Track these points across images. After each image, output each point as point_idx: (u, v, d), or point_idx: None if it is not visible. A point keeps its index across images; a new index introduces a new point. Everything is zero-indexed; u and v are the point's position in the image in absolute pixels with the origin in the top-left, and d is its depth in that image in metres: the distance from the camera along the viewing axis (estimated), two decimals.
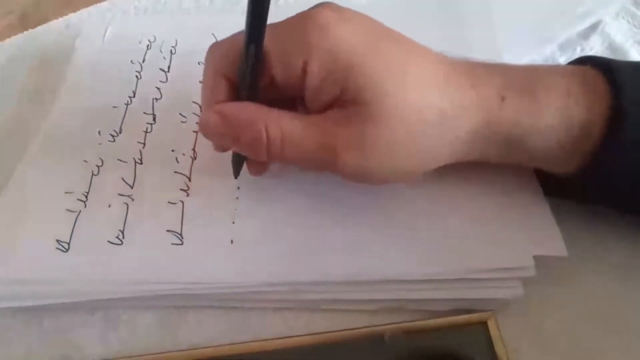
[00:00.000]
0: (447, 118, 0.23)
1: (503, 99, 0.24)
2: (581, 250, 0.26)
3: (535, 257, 0.25)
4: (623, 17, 0.38)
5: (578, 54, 0.36)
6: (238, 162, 0.28)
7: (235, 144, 0.25)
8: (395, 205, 0.28)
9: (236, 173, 0.28)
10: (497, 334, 0.24)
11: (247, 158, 0.27)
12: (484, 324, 0.25)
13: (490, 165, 0.27)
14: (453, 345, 0.24)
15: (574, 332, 0.25)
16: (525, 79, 0.24)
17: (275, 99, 0.25)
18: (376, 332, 0.25)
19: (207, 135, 0.25)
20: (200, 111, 0.25)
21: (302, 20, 0.23)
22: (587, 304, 0.26)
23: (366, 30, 0.24)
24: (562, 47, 0.36)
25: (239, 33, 0.24)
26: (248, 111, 0.24)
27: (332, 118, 0.23)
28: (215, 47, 0.26)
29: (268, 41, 0.23)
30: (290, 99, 0.26)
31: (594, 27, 0.37)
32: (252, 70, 0.23)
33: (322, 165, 0.24)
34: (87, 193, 0.29)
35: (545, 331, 0.25)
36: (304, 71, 0.23)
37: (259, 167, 0.28)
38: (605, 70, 0.24)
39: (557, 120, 0.24)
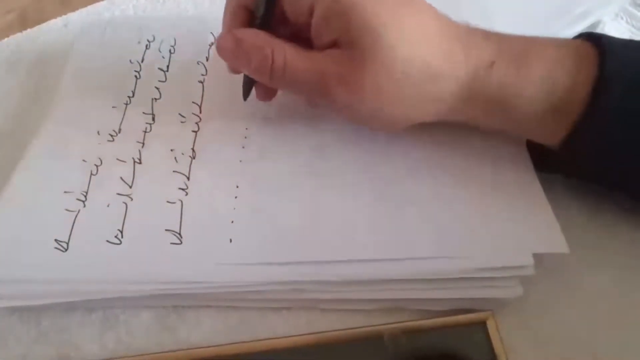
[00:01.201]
0: (433, 74, 0.25)
1: (492, 64, 0.25)
2: (580, 250, 0.26)
3: (535, 256, 0.25)
4: (622, 18, 0.38)
5: None
6: (248, 85, 0.30)
7: (245, 65, 0.28)
8: (394, 205, 0.28)
9: (245, 95, 0.31)
10: (496, 334, 0.24)
11: (256, 82, 0.30)
12: (482, 324, 0.25)
13: (490, 163, 0.27)
14: (452, 345, 0.24)
15: (572, 332, 0.25)
16: (519, 48, 0.26)
17: (285, 36, 0.27)
18: (375, 331, 0.25)
19: (222, 56, 0.28)
20: (220, 34, 0.28)
21: None
22: (586, 303, 0.26)
23: None
24: None
25: None
26: (259, 37, 0.27)
27: (331, 55, 0.26)
28: None
29: None
30: (298, 38, 0.27)
31: (592, 28, 0.37)
32: (267, 2, 0.27)
33: (317, 94, 0.27)
34: (86, 193, 0.29)
35: (544, 331, 0.25)
36: (310, 11, 0.26)
37: (267, 93, 0.31)
38: (597, 42, 0.25)
39: (542, 87, 0.25)
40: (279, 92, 0.32)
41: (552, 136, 0.26)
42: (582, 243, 0.26)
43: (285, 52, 0.26)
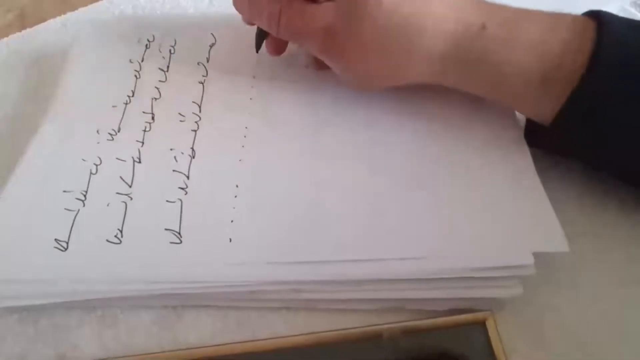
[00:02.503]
0: (420, 28, 0.26)
1: (483, 26, 0.25)
2: (580, 250, 0.26)
3: (535, 256, 0.25)
4: None
5: None
6: (260, 38, 0.33)
7: (256, 18, 0.30)
8: (393, 204, 0.28)
9: (258, 47, 0.34)
10: (496, 334, 0.24)
11: (267, 37, 0.33)
12: (482, 324, 0.25)
13: (491, 163, 0.27)
14: (451, 345, 0.24)
15: (572, 332, 0.25)
16: (514, 14, 0.26)
17: None
18: (374, 331, 0.25)
19: (237, 8, 0.31)
20: None
21: None
22: (586, 304, 0.26)
23: None
24: None
25: None
26: None
27: (328, 7, 0.27)
28: None
29: None
30: None
31: None
32: None
33: (313, 48, 0.29)
34: (86, 192, 0.29)
35: (544, 331, 0.25)
36: None
37: (276, 47, 0.33)
38: (596, 16, 0.25)
39: (532, 51, 0.25)
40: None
41: (541, 110, 0.26)
42: (582, 243, 0.26)
43: (292, 6, 0.28)
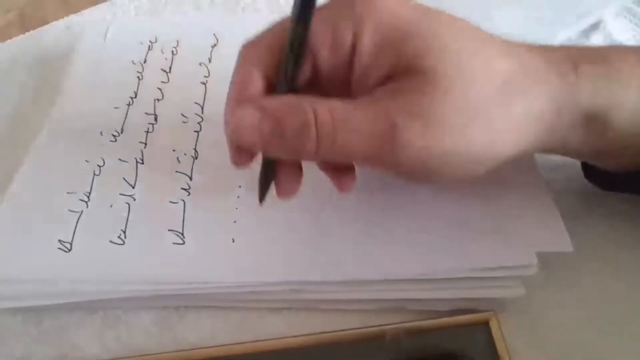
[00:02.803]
0: (516, 84, 0.21)
1: (576, 65, 0.21)
2: (584, 250, 0.25)
3: (538, 256, 0.24)
4: (625, 16, 0.38)
5: None
6: (266, 181, 0.24)
7: (277, 140, 0.21)
8: (394, 204, 0.28)
9: (262, 195, 0.24)
10: (499, 334, 0.24)
11: (275, 176, 0.24)
12: (485, 324, 0.24)
13: None
14: (454, 345, 0.24)
15: (575, 333, 0.25)
16: (594, 50, 0.22)
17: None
18: (377, 332, 0.25)
19: (239, 134, 0.21)
20: (225, 111, 0.23)
21: None
22: (589, 304, 0.26)
23: (414, 4, 0.22)
24: None
25: (273, 27, 0.23)
26: (291, 99, 0.21)
27: (387, 92, 0.21)
28: (250, 43, 0.23)
29: (313, 22, 0.21)
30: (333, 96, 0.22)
31: (594, 26, 0.37)
32: (297, 56, 0.21)
33: (380, 150, 0.21)
34: (89, 193, 0.29)
35: (547, 331, 0.25)
36: (354, 47, 0.21)
37: (291, 184, 0.24)
38: None
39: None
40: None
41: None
42: (585, 243, 0.26)
43: (330, 106, 0.20)
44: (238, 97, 0.23)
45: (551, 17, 0.37)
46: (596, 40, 0.36)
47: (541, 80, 0.21)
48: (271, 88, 0.23)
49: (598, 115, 0.21)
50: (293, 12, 0.21)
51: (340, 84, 0.23)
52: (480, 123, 0.21)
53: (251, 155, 0.24)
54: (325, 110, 0.20)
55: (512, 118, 0.21)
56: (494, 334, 0.24)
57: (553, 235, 0.25)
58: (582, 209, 0.28)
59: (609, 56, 0.22)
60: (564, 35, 0.36)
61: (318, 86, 0.23)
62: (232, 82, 0.23)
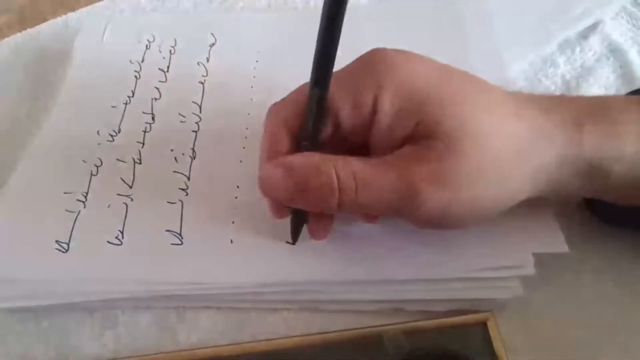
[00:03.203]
0: (528, 144, 0.22)
1: (580, 124, 0.23)
2: (581, 250, 0.26)
3: (535, 256, 0.25)
4: (622, 17, 0.38)
5: (577, 54, 0.36)
6: (297, 224, 0.26)
7: (302, 196, 0.23)
8: None
9: (294, 238, 0.26)
10: (497, 334, 0.24)
11: (308, 219, 0.25)
12: (483, 324, 0.25)
13: None
14: (452, 345, 0.24)
15: (573, 333, 0.25)
16: (598, 107, 0.23)
17: (338, 153, 0.23)
18: (375, 332, 0.25)
19: (268, 190, 0.23)
20: (260, 167, 0.25)
21: (366, 60, 0.23)
22: (587, 305, 0.26)
23: (433, 66, 0.23)
24: (561, 47, 0.36)
25: (301, 87, 0.24)
26: (314, 159, 0.23)
27: (407, 155, 0.22)
28: (276, 106, 0.25)
29: (333, 86, 0.22)
30: (353, 151, 0.24)
31: (593, 27, 0.37)
32: (317, 116, 0.23)
33: (400, 207, 0.22)
34: (87, 193, 0.29)
35: (545, 331, 0.25)
36: (374, 110, 0.23)
37: (324, 228, 0.26)
38: None
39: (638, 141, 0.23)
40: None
41: None
42: (582, 243, 0.26)
43: (352, 166, 0.22)
44: (268, 154, 0.24)
45: (550, 18, 0.37)
46: (594, 41, 0.36)
47: (549, 142, 0.23)
48: (296, 144, 0.24)
49: (599, 167, 0.23)
50: (311, 78, 0.22)
51: (360, 139, 0.24)
52: (496, 185, 0.22)
53: (287, 210, 0.25)
54: (348, 172, 0.22)
55: (523, 178, 0.23)
56: (491, 334, 0.24)
57: (548, 236, 0.26)
58: (578, 209, 0.28)
59: (610, 112, 0.23)
60: (562, 35, 0.36)
61: (339, 139, 0.24)
62: (262, 139, 0.25)
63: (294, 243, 0.26)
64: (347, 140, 0.24)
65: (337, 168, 0.22)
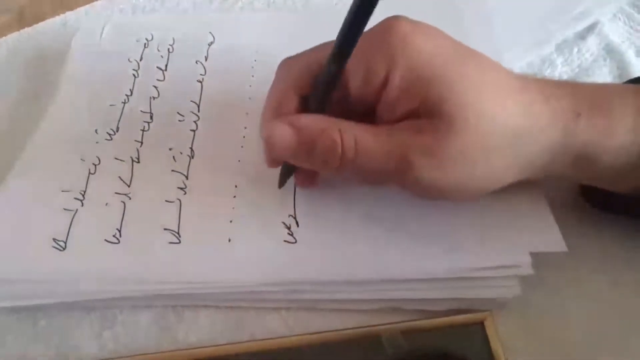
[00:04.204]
0: (523, 132, 0.23)
1: (578, 115, 0.23)
2: (579, 250, 0.26)
3: (533, 256, 0.25)
4: (620, 18, 0.38)
5: (575, 54, 0.36)
6: (287, 173, 0.27)
7: (306, 156, 0.24)
8: (391, 205, 0.28)
9: (282, 183, 0.28)
10: (494, 334, 0.24)
11: (297, 168, 0.27)
12: (481, 324, 0.25)
13: None
14: (450, 345, 0.24)
15: (571, 332, 0.25)
16: (597, 97, 0.24)
17: (343, 114, 0.24)
18: (373, 332, 0.25)
19: (275, 148, 0.24)
20: (262, 123, 0.25)
21: (381, 33, 0.24)
22: (585, 304, 0.26)
23: (444, 43, 0.24)
24: (559, 48, 0.36)
25: (314, 49, 0.25)
26: (322, 121, 0.24)
27: (407, 128, 0.23)
28: (288, 62, 0.26)
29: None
30: (358, 114, 0.25)
31: (591, 28, 0.37)
32: (330, 83, 0.23)
33: (392, 175, 0.24)
34: (84, 192, 0.29)
35: (543, 331, 0.25)
36: (384, 82, 0.23)
37: (310, 179, 0.28)
38: None
39: (629, 139, 0.23)
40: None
41: (629, 184, 0.25)
42: (580, 242, 0.26)
43: (354, 132, 0.23)
44: (274, 111, 0.25)
45: (548, 18, 0.37)
46: (592, 42, 0.36)
47: (545, 131, 0.23)
48: (303, 102, 0.25)
49: (589, 157, 0.24)
50: (331, 52, 0.22)
51: (367, 107, 0.25)
52: (488, 166, 0.23)
53: (281, 161, 0.27)
54: (351, 137, 0.23)
55: (516, 164, 0.24)
56: (489, 334, 0.24)
57: (546, 235, 0.26)
58: (577, 208, 0.28)
59: (609, 103, 0.24)
60: (560, 36, 0.37)
61: (345, 105, 0.25)
62: (268, 96, 0.26)
63: (280, 187, 0.28)
64: (353, 107, 0.25)
65: (342, 133, 0.23)
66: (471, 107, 0.22)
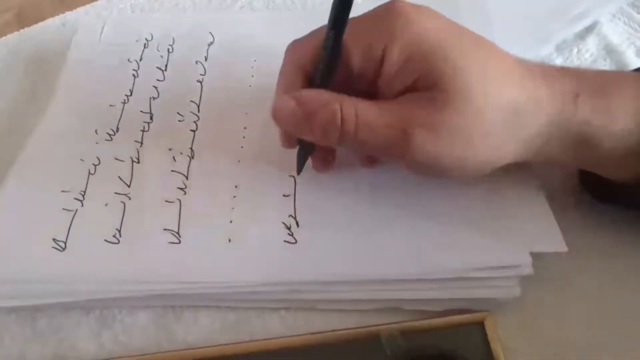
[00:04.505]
0: (521, 112, 0.23)
1: (577, 96, 0.24)
2: (579, 250, 0.26)
3: (533, 256, 0.25)
4: (619, 19, 0.38)
5: (574, 55, 0.36)
6: (303, 157, 0.28)
7: (308, 128, 0.25)
8: (391, 205, 0.28)
9: (299, 168, 0.29)
10: (494, 334, 0.24)
11: (312, 152, 0.28)
12: (480, 324, 0.25)
13: None
14: (450, 345, 0.24)
15: (571, 332, 0.25)
16: (598, 81, 0.24)
17: (347, 93, 0.25)
18: (373, 332, 0.25)
19: (280, 120, 0.26)
20: (275, 99, 0.26)
21: (383, 11, 0.24)
22: (584, 304, 0.26)
23: (445, 23, 0.24)
24: (559, 48, 0.36)
25: (319, 29, 0.25)
26: (323, 95, 0.25)
27: (406, 102, 0.24)
28: (295, 43, 0.27)
29: (349, 31, 0.24)
30: (361, 93, 0.25)
31: (590, 28, 0.37)
32: (330, 58, 0.24)
33: (393, 148, 0.24)
34: (84, 192, 0.29)
35: (542, 331, 0.25)
36: (382, 58, 0.24)
37: (325, 162, 0.29)
38: None
39: (630, 123, 0.23)
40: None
41: (627, 171, 0.25)
42: (580, 243, 0.26)
43: (355, 105, 0.24)
44: (283, 88, 0.26)
45: (548, 18, 0.37)
46: (591, 42, 0.36)
47: (545, 113, 0.24)
48: (310, 81, 0.26)
49: (588, 140, 0.24)
50: (329, 21, 0.23)
51: (368, 83, 0.25)
52: (487, 141, 0.23)
53: (295, 141, 0.28)
54: (351, 109, 0.24)
55: (513, 144, 0.24)
56: (489, 334, 0.24)
57: (547, 235, 0.26)
58: (576, 208, 0.28)
59: (609, 87, 0.24)
60: (560, 36, 0.37)
61: (348, 83, 0.25)
62: (279, 76, 0.27)
63: (298, 174, 0.29)
64: (355, 85, 0.25)
65: (343, 105, 0.24)
66: (471, 81, 0.23)
